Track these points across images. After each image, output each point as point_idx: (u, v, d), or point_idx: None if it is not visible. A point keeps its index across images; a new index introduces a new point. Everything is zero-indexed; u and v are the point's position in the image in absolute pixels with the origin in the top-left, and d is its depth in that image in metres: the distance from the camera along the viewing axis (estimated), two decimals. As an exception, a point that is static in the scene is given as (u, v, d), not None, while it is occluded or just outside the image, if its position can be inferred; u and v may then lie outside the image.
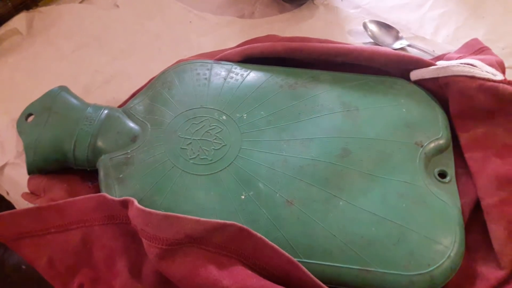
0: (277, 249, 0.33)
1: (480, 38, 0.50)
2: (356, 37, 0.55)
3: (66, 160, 0.42)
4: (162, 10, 0.59)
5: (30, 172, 0.42)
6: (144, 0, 0.60)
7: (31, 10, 0.58)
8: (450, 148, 0.42)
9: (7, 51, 0.55)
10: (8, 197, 0.49)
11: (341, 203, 0.37)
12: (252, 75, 0.46)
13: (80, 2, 0.60)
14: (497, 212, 0.37)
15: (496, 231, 0.36)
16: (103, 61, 0.54)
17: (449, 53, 0.50)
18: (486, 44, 0.48)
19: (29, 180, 0.43)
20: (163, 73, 0.47)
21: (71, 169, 0.43)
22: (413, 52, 0.52)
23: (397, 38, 0.54)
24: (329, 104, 0.43)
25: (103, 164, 0.40)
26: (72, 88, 0.47)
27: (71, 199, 0.38)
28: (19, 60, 0.54)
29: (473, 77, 0.42)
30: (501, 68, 0.45)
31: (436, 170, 0.40)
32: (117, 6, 0.60)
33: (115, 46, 0.55)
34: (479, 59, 0.44)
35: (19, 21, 0.56)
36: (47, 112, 0.42)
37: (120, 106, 0.47)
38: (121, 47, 0.55)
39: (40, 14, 0.58)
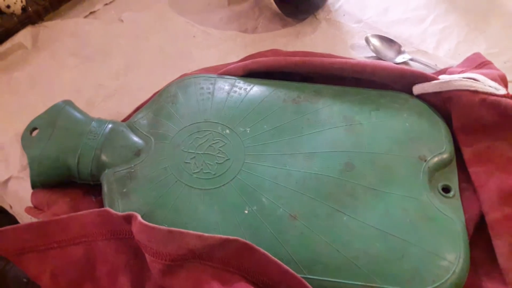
0: (281, 264, 0.33)
1: (482, 52, 0.50)
2: (358, 51, 0.55)
3: (70, 174, 0.42)
4: (165, 25, 0.60)
5: (34, 186, 0.42)
6: (148, 15, 0.61)
7: (36, 25, 0.59)
8: (454, 163, 0.42)
9: (12, 65, 0.55)
10: (12, 211, 0.49)
11: (344, 218, 0.37)
12: (255, 89, 0.46)
13: (85, 17, 0.61)
14: (501, 227, 0.37)
15: (501, 246, 0.36)
16: (107, 75, 0.54)
17: (451, 67, 0.50)
18: (488, 58, 0.49)
19: (32, 194, 0.43)
20: (167, 87, 0.47)
21: (74, 183, 0.43)
22: (415, 66, 0.53)
23: (399, 52, 0.54)
24: (332, 118, 0.43)
25: (106, 178, 0.40)
26: (76, 102, 0.48)
27: (74, 213, 0.38)
28: (24, 74, 0.54)
29: (475, 92, 0.42)
30: (504, 82, 0.45)
31: (440, 185, 0.40)
32: (121, 20, 0.60)
33: (119, 60, 0.56)
34: (482, 74, 0.45)
35: (24, 35, 0.57)
36: (52, 126, 0.42)
37: (124, 120, 0.47)
38: (125, 61, 0.56)
39: (45, 28, 0.58)
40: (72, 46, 0.57)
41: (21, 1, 0.56)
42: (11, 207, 0.48)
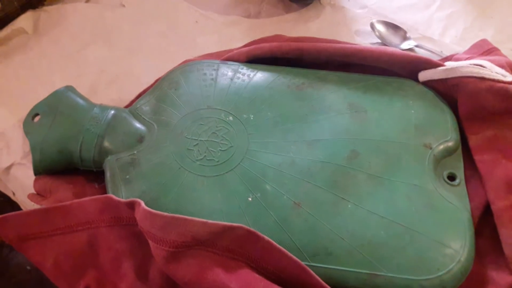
0: (285, 252, 0.33)
1: (488, 39, 0.49)
2: (363, 37, 0.55)
3: (72, 161, 0.41)
4: (168, 9, 0.59)
5: (36, 173, 0.41)
6: (150, 0, 0.60)
7: (37, 9, 0.58)
8: (459, 151, 0.41)
9: (13, 50, 0.54)
10: (15, 198, 0.49)
11: (349, 205, 0.37)
12: (259, 76, 0.46)
13: (86, 1, 0.60)
14: (507, 216, 0.36)
15: (507, 235, 0.36)
16: (108, 60, 0.53)
17: (457, 54, 0.49)
18: (495, 45, 0.48)
19: (35, 181, 0.43)
20: (169, 73, 0.47)
21: (77, 169, 0.43)
22: (421, 53, 0.52)
23: (405, 38, 0.53)
24: (337, 105, 0.43)
25: (109, 165, 0.40)
26: (78, 88, 0.47)
27: (77, 200, 0.38)
28: (25, 59, 0.54)
29: (482, 78, 0.41)
30: (511, 69, 0.44)
31: (445, 173, 0.40)
32: (123, 5, 0.59)
33: (121, 46, 0.55)
34: (489, 60, 0.44)
35: (25, 20, 0.56)
36: (54, 112, 0.42)
37: (126, 107, 0.47)
38: (127, 46, 0.55)
39: (46, 13, 0.58)
40: (73, 31, 0.56)
41: (21, -15, 0.56)
42: (14, 194, 0.48)
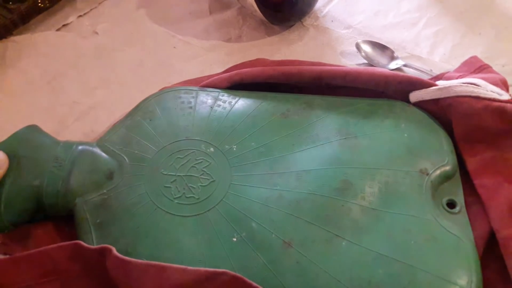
0: (275, 299, 0.30)
1: (478, 56, 0.47)
2: (349, 59, 0.52)
3: (38, 208, 0.37)
4: (144, 36, 0.56)
5: (2, 229, 0.36)
6: (124, 26, 0.57)
7: (4, 40, 0.55)
8: (457, 175, 0.39)
9: (-22, 84, 0.51)
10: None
11: (343, 243, 0.33)
12: (241, 103, 0.43)
13: (57, 30, 0.57)
14: (514, 246, 0.33)
15: (515, 266, 0.33)
16: (81, 91, 0.50)
17: (448, 72, 0.47)
18: (486, 61, 0.46)
19: None
20: (143, 101, 0.44)
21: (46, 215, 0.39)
22: (409, 72, 0.50)
23: (392, 58, 0.51)
24: (325, 132, 0.40)
25: (78, 209, 0.36)
26: (48, 122, 0.44)
27: (43, 248, 0.34)
28: (-10, 93, 0.50)
29: (477, 98, 0.39)
30: (505, 86, 0.42)
31: (444, 200, 0.37)
32: (96, 33, 0.56)
33: (94, 75, 0.52)
34: (482, 78, 0.42)
35: (-9, 51, 0.53)
36: (15, 156, 0.37)
37: (96, 140, 0.43)
38: (101, 75, 0.52)
39: (14, 43, 0.54)
40: (43, 61, 0.53)
41: (-13, 15, 0.53)
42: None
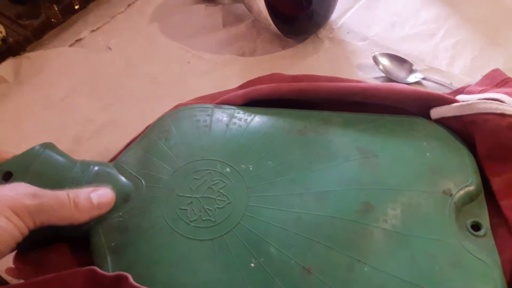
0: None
1: (500, 68, 0.46)
2: (366, 72, 0.51)
3: (53, 229, 0.37)
4: (157, 51, 0.56)
5: (20, 248, 0.36)
6: (138, 41, 0.57)
7: (17, 56, 0.55)
8: (482, 195, 0.37)
9: (-8, 101, 0.51)
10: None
11: (366, 268, 0.32)
12: (257, 120, 0.42)
13: (70, 46, 0.57)
14: (544, 271, 0.32)
15: (545, 292, 0.31)
16: (94, 108, 0.50)
17: (469, 85, 0.46)
18: (508, 73, 0.45)
19: (15, 253, 0.38)
20: (159, 120, 0.43)
21: (60, 238, 0.38)
22: (428, 86, 0.49)
23: (411, 71, 0.50)
24: (344, 150, 0.39)
25: (93, 231, 0.35)
26: (61, 140, 0.43)
27: (57, 273, 0.33)
28: (4, 110, 0.50)
29: (502, 115, 0.38)
30: (530, 101, 0.41)
31: (469, 222, 0.35)
32: (110, 48, 0.56)
33: (107, 91, 0.52)
34: (505, 93, 0.41)
35: (5, 68, 0.53)
36: (27, 172, 0.37)
37: (112, 159, 0.43)
38: (115, 92, 0.51)
39: (28, 60, 0.54)
40: (57, 78, 0.53)
41: (0, 32, 0.52)
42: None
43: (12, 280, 0.37)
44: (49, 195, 0.32)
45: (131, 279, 0.30)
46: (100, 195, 0.35)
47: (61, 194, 0.33)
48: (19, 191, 0.31)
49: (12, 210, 0.30)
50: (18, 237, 0.30)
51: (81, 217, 0.34)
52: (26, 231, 0.31)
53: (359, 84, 0.43)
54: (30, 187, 0.32)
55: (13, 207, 0.30)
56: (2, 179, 0.37)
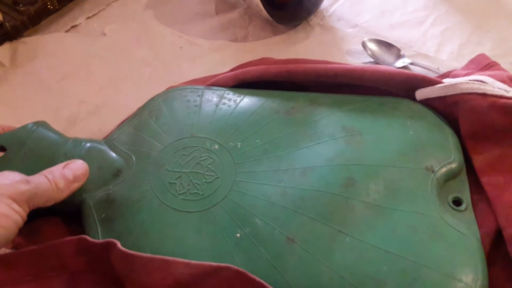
0: (278, 294, 0.30)
1: (487, 53, 0.47)
2: (355, 57, 0.52)
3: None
4: (151, 37, 0.57)
5: None
6: (132, 27, 0.58)
7: (14, 41, 0.55)
8: (464, 172, 0.38)
9: (-12, 84, 0.52)
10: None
11: (347, 239, 0.33)
12: (246, 101, 0.43)
13: (66, 31, 0.57)
14: (522, 243, 0.33)
15: (522, 264, 0.32)
16: (89, 91, 0.51)
17: (455, 70, 0.47)
18: (494, 59, 0.46)
19: None
20: (150, 100, 0.44)
21: (53, 210, 0.39)
22: (416, 70, 0.49)
23: (399, 56, 0.51)
24: (330, 129, 0.40)
25: (84, 204, 0.36)
26: (56, 120, 0.44)
27: (49, 242, 0.34)
28: (1, 92, 0.51)
29: (484, 95, 0.39)
30: (513, 83, 0.42)
31: (450, 197, 0.37)
32: (105, 34, 0.57)
33: (102, 75, 0.53)
34: (489, 75, 0.42)
35: (2, 52, 0.54)
36: (21, 147, 0.38)
37: (105, 138, 0.44)
38: (109, 76, 0.52)
39: (24, 44, 0.55)
40: (52, 62, 0.54)
41: (-3, 17, 0.54)
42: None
43: (6, 251, 0.38)
44: (36, 180, 0.33)
45: (119, 245, 0.31)
46: (73, 168, 0.35)
47: (42, 178, 0.34)
48: (13, 179, 0.32)
49: (11, 198, 0.31)
50: (20, 223, 0.32)
51: (63, 194, 0.34)
52: (25, 217, 0.32)
53: (346, 65, 0.44)
54: (20, 175, 0.33)
55: (12, 194, 0.31)
56: None
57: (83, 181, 0.36)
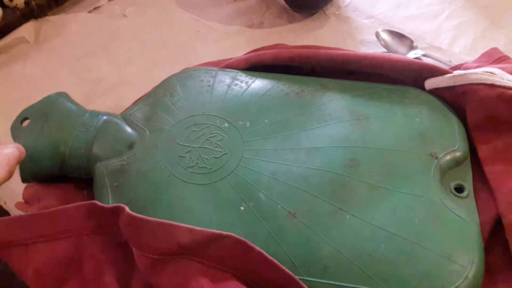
0: (277, 264, 0.31)
1: (500, 49, 0.47)
2: (368, 47, 0.53)
3: (61, 168, 0.40)
4: (170, 20, 0.58)
5: (23, 179, 0.40)
6: (152, 10, 0.60)
7: (39, 19, 0.58)
8: (468, 161, 0.39)
9: (13, 59, 0.54)
10: (6, 207, 0.47)
11: (347, 216, 0.34)
12: (257, 83, 0.44)
13: (89, 12, 0.60)
14: (520, 231, 0.34)
15: (520, 251, 0.33)
16: (108, 69, 0.53)
17: (466, 63, 0.47)
18: (507, 54, 0.46)
19: (24, 189, 0.41)
20: (166, 80, 0.46)
21: (67, 177, 0.41)
22: (428, 62, 0.50)
23: (411, 47, 0.52)
24: (337, 112, 0.41)
25: (98, 172, 0.38)
26: (74, 96, 0.46)
27: (61, 207, 0.36)
28: (24, 67, 0.53)
29: (492, 85, 0.39)
30: (523, 77, 0.42)
31: (453, 184, 0.37)
32: (125, 15, 0.59)
33: (121, 55, 0.54)
34: (499, 68, 0.42)
35: (27, 29, 0.56)
36: (44, 117, 0.41)
37: (121, 114, 0.46)
38: (127, 55, 0.54)
39: (48, 23, 0.58)
40: (74, 40, 0.56)
41: (24, -5, 0.56)
42: (5, 202, 0.46)
43: (21, 214, 0.40)
44: None
45: (127, 209, 0.33)
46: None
47: None
48: None
49: None
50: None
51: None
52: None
53: (356, 52, 0.45)
54: None
55: None
56: (20, 124, 0.41)
57: (17, 160, 0.35)
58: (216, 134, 0.40)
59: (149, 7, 0.60)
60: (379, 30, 0.53)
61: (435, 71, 0.43)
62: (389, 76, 0.44)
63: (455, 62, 0.49)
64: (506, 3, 0.57)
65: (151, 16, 0.59)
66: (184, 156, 0.38)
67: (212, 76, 0.45)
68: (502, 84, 0.39)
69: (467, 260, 0.32)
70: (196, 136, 0.40)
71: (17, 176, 0.43)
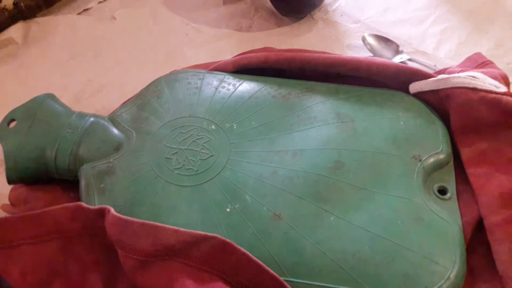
0: (262, 266, 0.31)
1: (484, 54, 0.48)
2: (355, 51, 0.54)
3: (48, 170, 0.40)
4: (158, 22, 0.59)
5: (9, 181, 0.40)
6: (141, 12, 0.60)
7: (28, 21, 0.58)
8: (451, 164, 0.39)
9: (1, 60, 0.54)
10: (-9, 208, 0.47)
11: (332, 218, 0.35)
12: (245, 85, 0.44)
13: (78, 14, 0.60)
14: (501, 232, 0.34)
15: (501, 252, 0.33)
16: (96, 71, 0.53)
17: (450, 67, 0.48)
18: (491, 59, 0.47)
19: (10, 191, 0.41)
20: (154, 81, 0.46)
21: (53, 179, 0.41)
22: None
23: (397, 52, 0.52)
24: (323, 115, 0.41)
25: (84, 173, 0.38)
26: (62, 97, 0.46)
27: (47, 208, 0.36)
28: (12, 68, 0.53)
29: (474, 89, 0.40)
30: (505, 81, 0.43)
31: (436, 186, 0.38)
32: (114, 18, 0.59)
33: (109, 57, 0.54)
34: (482, 72, 0.43)
35: (15, 30, 0.56)
36: (30, 118, 0.40)
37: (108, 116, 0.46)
38: (116, 58, 0.54)
39: (37, 24, 0.58)
40: (63, 42, 0.56)
41: (13, -4, 0.56)
42: (-9, 204, 0.46)
43: (7, 216, 0.40)
44: None
45: (112, 211, 0.33)
46: None
47: None
48: None
49: None
50: None
51: None
52: None
53: (343, 56, 0.45)
54: None
55: None
56: (7, 125, 0.41)
57: None
58: (203, 136, 0.40)
59: (138, 10, 0.60)
60: (365, 34, 0.53)
61: (420, 75, 0.43)
62: (377, 80, 0.45)
63: (439, 67, 0.50)
64: (489, 9, 0.58)
65: (140, 19, 0.59)
66: (171, 158, 0.39)
67: (200, 79, 0.45)
68: (484, 88, 0.40)
69: (449, 261, 0.32)
70: (183, 138, 0.40)
71: (3, 178, 0.43)
